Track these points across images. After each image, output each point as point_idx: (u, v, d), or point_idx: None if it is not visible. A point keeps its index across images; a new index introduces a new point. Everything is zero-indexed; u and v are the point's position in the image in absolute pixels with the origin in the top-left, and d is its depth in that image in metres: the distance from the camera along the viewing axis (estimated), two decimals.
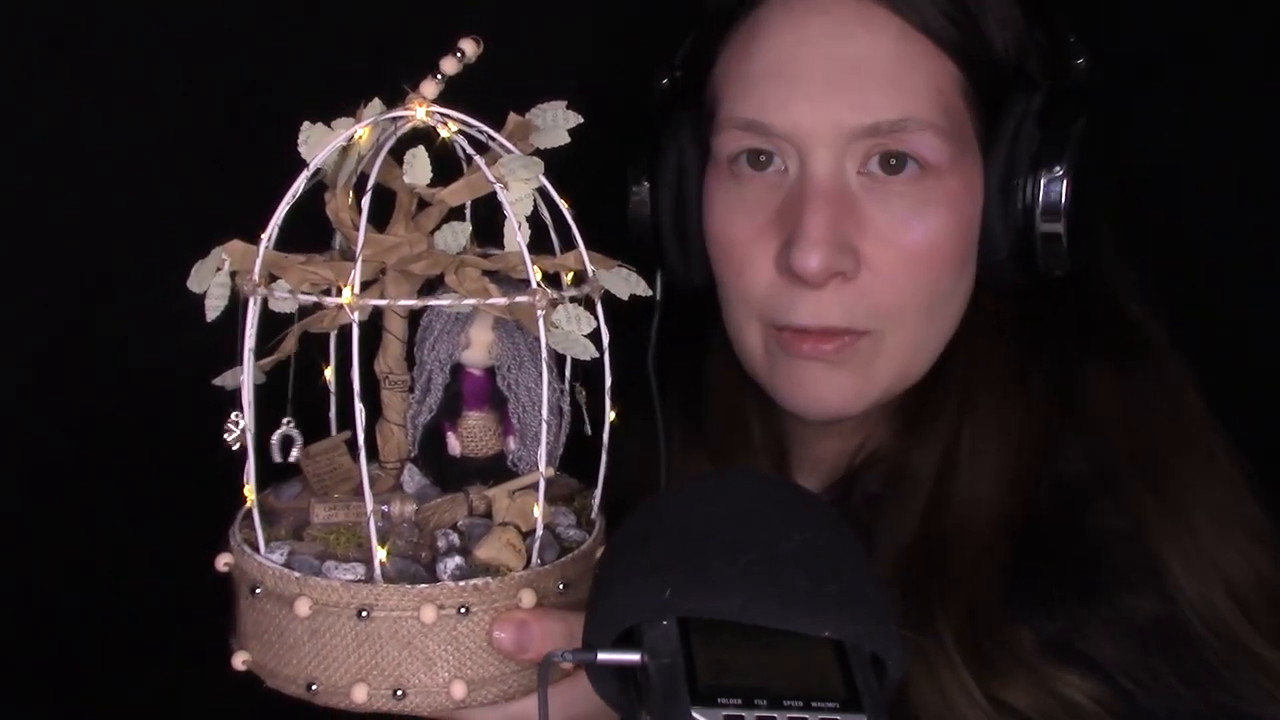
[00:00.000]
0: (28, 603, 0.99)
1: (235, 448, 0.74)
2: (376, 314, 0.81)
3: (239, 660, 0.77)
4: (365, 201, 0.73)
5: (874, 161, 0.90)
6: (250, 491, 0.75)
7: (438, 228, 0.81)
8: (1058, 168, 0.90)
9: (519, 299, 0.73)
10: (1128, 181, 0.93)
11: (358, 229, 0.78)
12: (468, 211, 0.82)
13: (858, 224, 0.90)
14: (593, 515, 0.81)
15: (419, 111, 0.75)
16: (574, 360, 0.80)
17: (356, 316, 0.71)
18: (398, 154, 0.76)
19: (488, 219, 0.80)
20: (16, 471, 0.92)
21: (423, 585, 0.73)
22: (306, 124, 0.77)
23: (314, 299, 0.73)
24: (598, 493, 0.80)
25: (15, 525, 1.10)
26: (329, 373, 0.84)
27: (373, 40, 1.07)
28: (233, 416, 0.74)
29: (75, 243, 1.12)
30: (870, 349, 0.93)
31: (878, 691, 0.59)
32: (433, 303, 0.75)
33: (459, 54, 0.76)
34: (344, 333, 0.81)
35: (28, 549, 1.11)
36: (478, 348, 0.81)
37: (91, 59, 1.10)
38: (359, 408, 0.72)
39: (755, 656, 0.60)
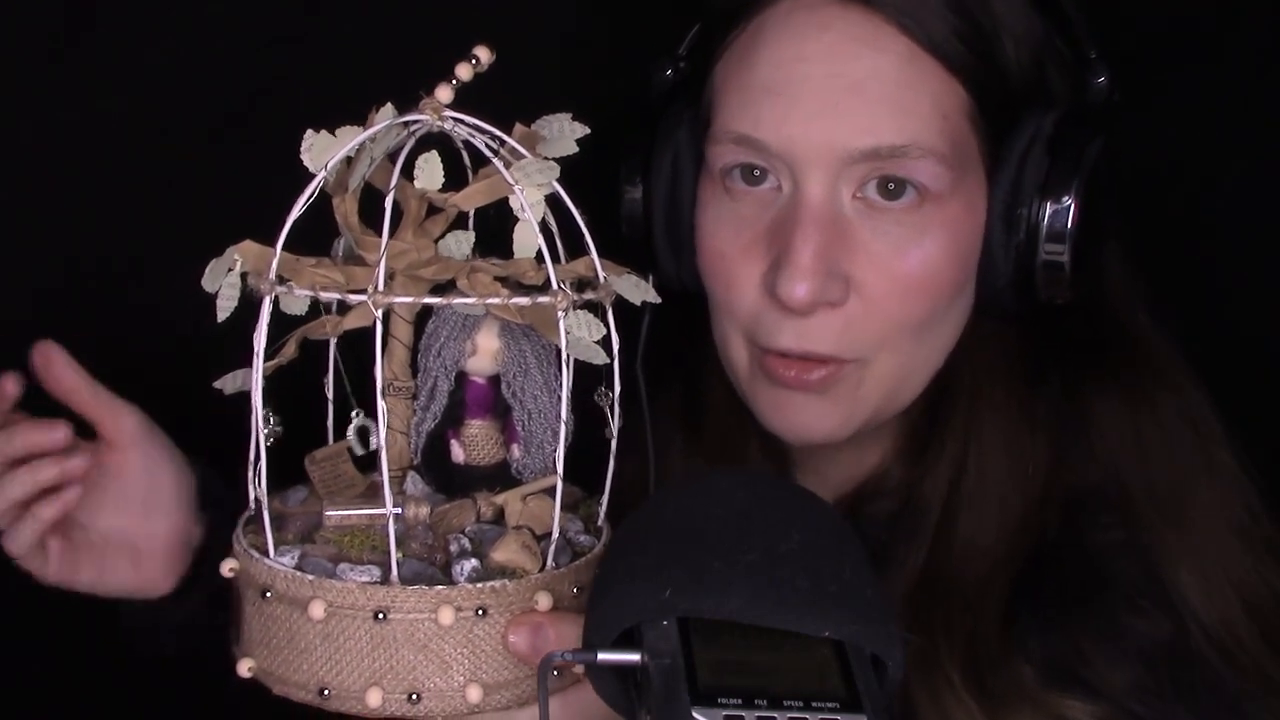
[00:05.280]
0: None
1: (269, 443, 0.74)
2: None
3: (244, 667, 0.76)
4: (388, 202, 0.73)
5: (871, 186, 0.87)
6: (260, 494, 0.74)
7: (443, 235, 0.81)
8: (1065, 197, 0.87)
9: (540, 299, 0.73)
10: (1141, 185, 0.92)
11: (366, 234, 0.79)
12: (471, 219, 0.82)
13: (849, 250, 0.87)
14: (599, 522, 0.81)
15: (431, 116, 0.75)
16: (576, 367, 0.80)
17: (379, 314, 0.71)
18: (407, 159, 0.76)
19: (491, 229, 0.81)
20: None
21: (440, 587, 0.72)
22: (310, 132, 0.77)
23: (337, 296, 0.73)
24: (604, 499, 0.80)
25: None
26: (328, 380, 0.84)
27: (388, 46, 1.07)
28: (259, 416, 0.74)
29: (85, 236, 1.10)
30: (856, 375, 0.90)
31: (878, 692, 0.60)
32: (455, 301, 0.74)
33: (474, 60, 0.77)
34: (344, 341, 0.82)
35: None
36: (484, 355, 0.81)
37: (108, 57, 1.09)
38: (381, 406, 0.72)
39: (755, 656, 0.60)
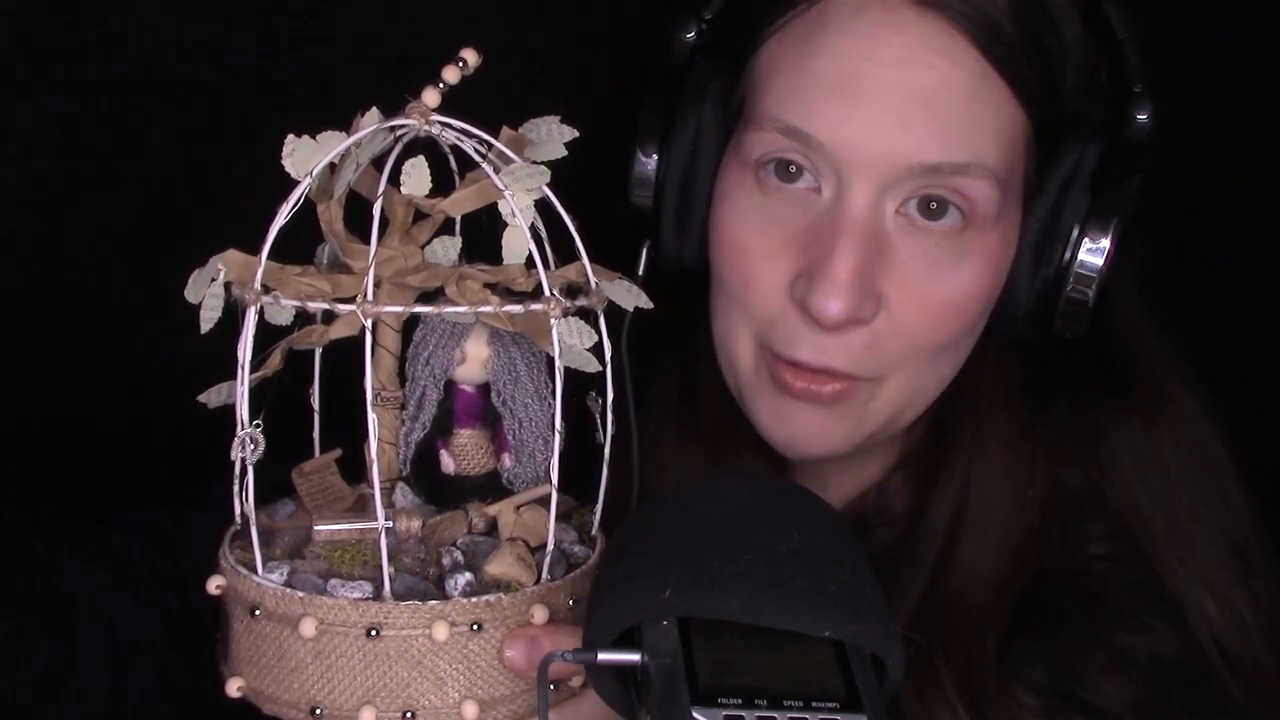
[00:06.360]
0: None
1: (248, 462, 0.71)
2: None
3: (233, 687, 0.74)
4: (376, 209, 0.71)
5: (913, 203, 0.83)
6: (248, 509, 0.72)
7: (428, 241, 0.79)
8: (1103, 238, 0.84)
9: (534, 306, 0.72)
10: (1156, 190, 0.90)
11: (351, 241, 0.77)
12: (458, 225, 0.81)
13: (886, 267, 0.84)
14: (593, 532, 0.79)
15: (419, 121, 0.74)
16: (567, 373, 0.78)
17: (369, 323, 0.69)
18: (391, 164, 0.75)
19: (479, 234, 0.79)
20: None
21: (434, 602, 0.70)
22: (291, 137, 0.75)
23: (324, 306, 0.71)
24: (598, 509, 0.78)
25: None
26: (314, 391, 0.82)
27: (373, 50, 1.05)
28: (239, 434, 0.71)
29: (66, 249, 1.08)
30: (867, 393, 0.88)
31: (878, 692, 0.59)
32: (447, 310, 0.72)
33: (460, 63, 0.75)
34: (329, 350, 0.80)
35: None
36: (473, 363, 0.79)
37: (89, 63, 1.07)
38: (371, 417, 0.70)
39: (755, 656, 0.60)
